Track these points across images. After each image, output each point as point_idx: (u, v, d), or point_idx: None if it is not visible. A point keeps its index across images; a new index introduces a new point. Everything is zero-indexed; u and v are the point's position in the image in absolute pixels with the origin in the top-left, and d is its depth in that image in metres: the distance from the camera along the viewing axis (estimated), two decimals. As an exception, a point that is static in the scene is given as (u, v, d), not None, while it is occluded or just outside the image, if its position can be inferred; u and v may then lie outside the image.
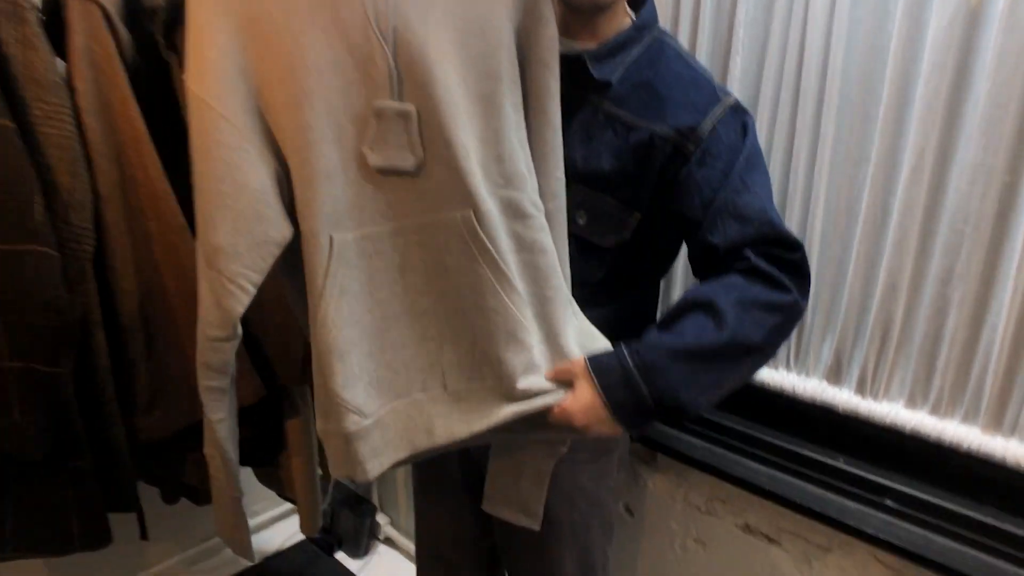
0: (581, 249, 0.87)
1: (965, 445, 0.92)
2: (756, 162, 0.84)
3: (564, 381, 0.80)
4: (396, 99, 0.73)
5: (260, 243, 0.76)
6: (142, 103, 1.00)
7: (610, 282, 0.91)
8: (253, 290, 0.78)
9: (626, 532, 1.36)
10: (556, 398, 0.78)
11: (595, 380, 0.77)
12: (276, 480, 1.46)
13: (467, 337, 0.80)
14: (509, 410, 0.77)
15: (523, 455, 0.89)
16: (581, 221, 0.86)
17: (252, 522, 1.93)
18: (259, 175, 0.75)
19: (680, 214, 0.85)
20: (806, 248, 0.84)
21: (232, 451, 0.89)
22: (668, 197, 0.85)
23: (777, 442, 1.11)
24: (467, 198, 0.75)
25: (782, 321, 0.80)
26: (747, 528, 1.17)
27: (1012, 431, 0.89)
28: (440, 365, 0.82)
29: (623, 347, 0.79)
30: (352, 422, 0.78)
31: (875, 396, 1.01)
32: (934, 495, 0.95)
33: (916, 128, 0.90)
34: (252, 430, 1.29)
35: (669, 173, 0.84)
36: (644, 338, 0.80)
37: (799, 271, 0.81)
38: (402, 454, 0.81)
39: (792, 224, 1.03)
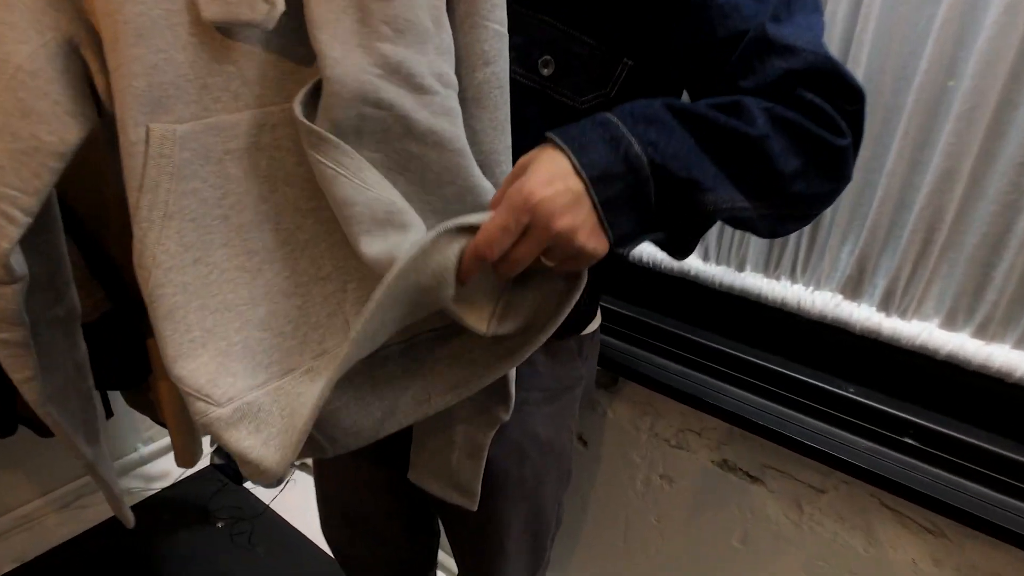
0: (546, 112, 0.59)
1: (1017, 374, 0.74)
2: None
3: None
4: None
5: (27, 151, 0.52)
6: None
7: None
8: (26, 219, 0.54)
9: (578, 464, 1.17)
10: (480, 218, 0.48)
11: (561, 143, 0.48)
12: (147, 405, 1.20)
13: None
14: (403, 261, 0.46)
15: (454, 424, 0.66)
16: (546, 71, 0.58)
17: (147, 448, 1.77)
18: (27, 46, 0.50)
19: (695, 55, 0.57)
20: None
21: (61, 415, 0.67)
22: (675, 31, 0.57)
23: (771, 367, 0.92)
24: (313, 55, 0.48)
25: (821, 165, 0.53)
26: (724, 464, 1.00)
27: (1080, 358, 0.71)
28: (343, 314, 0.55)
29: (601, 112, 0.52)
30: (198, 411, 0.51)
31: (903, 314, 0.81)
32: (969, 433, 0.78)
33: (1017, -54, 0.64)
34: (101, 350, 1.03)
35: None
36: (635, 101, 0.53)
37: (857, 127, 0.55)
38: (293, 453, 0.52)
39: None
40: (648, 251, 1.05)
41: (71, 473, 1.61)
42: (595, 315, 0.79)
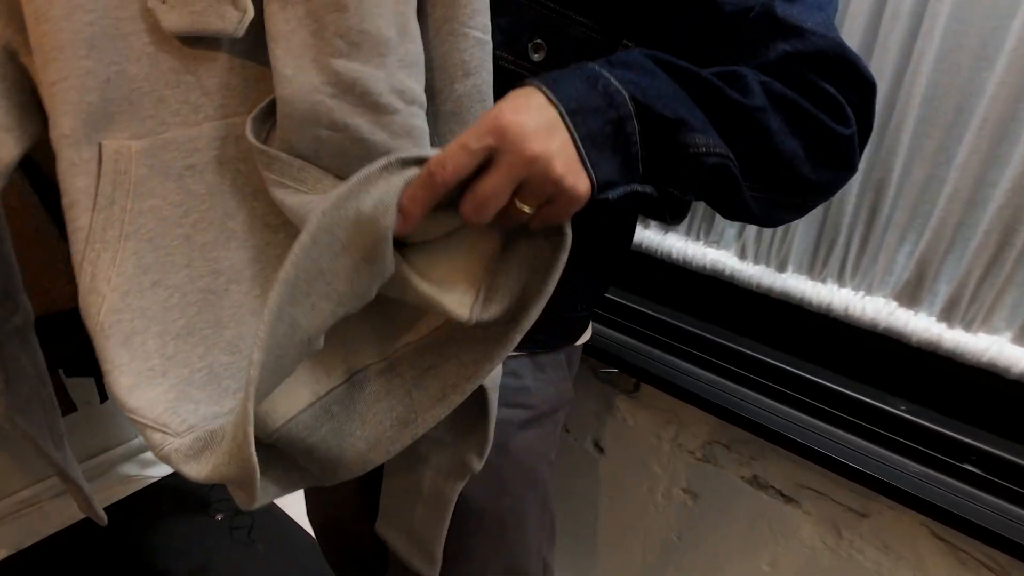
0: None
1: (1102, 400, 0.65)
2: None
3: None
4: None
5: None
6: None
7: None
8: None
9: (594, 471, 1.10)
10: (438, 151, 0.42)
11: (534, 81, 0.43)
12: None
13: None
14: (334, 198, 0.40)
15: (423, 470, 0.61)
16: (537, 56, 0.53)
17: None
18: None
19: (699, 34, 0.52)
20: (900, 115, 0.59)
21: (28, 424, 0.66)
22: (679, 9, 0.52)
23: (813, 378, 0.83)
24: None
25: (821, 150, 0.49)
26: (755, 481, 0.92)
27: None
28: None
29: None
30: (155, 443, 0.46)
31: (968, 325, 0.73)
32: (1041, 463, 0.70)
33: None
34: (79, 337, 0.99)
35: None
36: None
37: (865, 118, 0.51)
38: (251, 462, 0.46)
39: (883, 78, 0.70)
40: (677, 246, 0.96)
41: (83, 452, 1.59)
42: (588, 324, 0.73)
